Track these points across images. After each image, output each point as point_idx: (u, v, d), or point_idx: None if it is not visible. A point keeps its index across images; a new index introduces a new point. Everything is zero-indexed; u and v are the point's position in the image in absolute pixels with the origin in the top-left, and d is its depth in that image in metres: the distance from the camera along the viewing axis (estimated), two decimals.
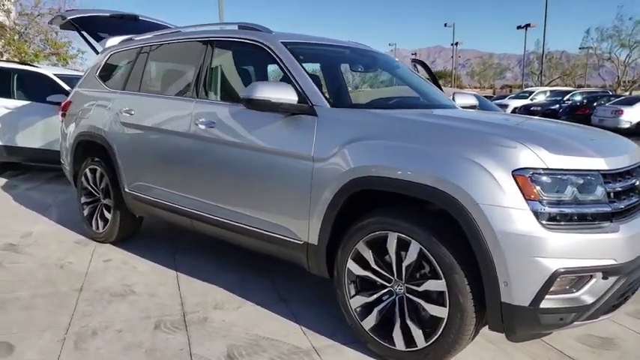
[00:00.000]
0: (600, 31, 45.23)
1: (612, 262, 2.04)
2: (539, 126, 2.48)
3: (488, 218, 2.00)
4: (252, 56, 3.62)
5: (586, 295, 2.05)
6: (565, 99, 23.83)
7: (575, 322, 2.08)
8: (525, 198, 1.99)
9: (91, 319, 2.82)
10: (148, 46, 3.95)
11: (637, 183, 2.28)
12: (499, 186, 2.01)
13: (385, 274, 2.38)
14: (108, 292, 3.21)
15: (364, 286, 2.50)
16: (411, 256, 2.24)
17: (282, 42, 3.03)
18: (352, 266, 2.47)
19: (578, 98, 23.71)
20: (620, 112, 18.15)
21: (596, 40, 46.32)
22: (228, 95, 3.45)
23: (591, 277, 2.05)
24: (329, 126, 2.58)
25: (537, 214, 1.98)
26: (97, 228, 4.20)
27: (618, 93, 30.43)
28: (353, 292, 2.51)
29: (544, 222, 1.98)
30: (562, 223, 2.01)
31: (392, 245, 2.31)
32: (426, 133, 2.30)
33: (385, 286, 2.39)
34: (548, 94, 26.60)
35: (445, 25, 51.94)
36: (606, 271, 2.04)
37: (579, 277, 2.03)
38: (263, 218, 2.86)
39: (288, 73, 2.85)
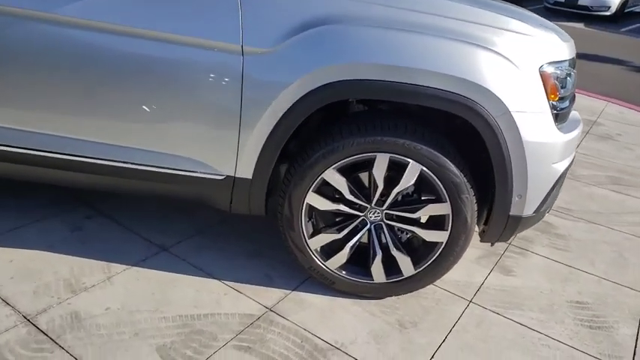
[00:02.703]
0: None
1: (574, 154, 2.06)
2: (507, 6, 2.11)
3: (518, 127, 1.69)
4: None
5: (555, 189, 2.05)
6: None
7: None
8: (547, 99, 1.74)
9: None
10: None
11: None
12: (528, 87, 1.70)
13: (362, 203, 1.87)
14: None
15: (328, 221, 1.95)
16: (408, 179, 1.79)
17: None
18: (314, 200, 1.86)
19: None
20: None
21: None
22: None
23: None
24: None
25: (554, 117, 1.78)
26: None
27: None
28: (311, 230, 1.93)
29: (557, 124, 1.80)
30: (562, 122, 1.87)
31: (380, 169, 1.78)
32: (428, 15, 1.68)
33: (358, 217, 1.91)
34: None
35: None
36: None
37: None
38: (149, 149, 1.82)
39: None
